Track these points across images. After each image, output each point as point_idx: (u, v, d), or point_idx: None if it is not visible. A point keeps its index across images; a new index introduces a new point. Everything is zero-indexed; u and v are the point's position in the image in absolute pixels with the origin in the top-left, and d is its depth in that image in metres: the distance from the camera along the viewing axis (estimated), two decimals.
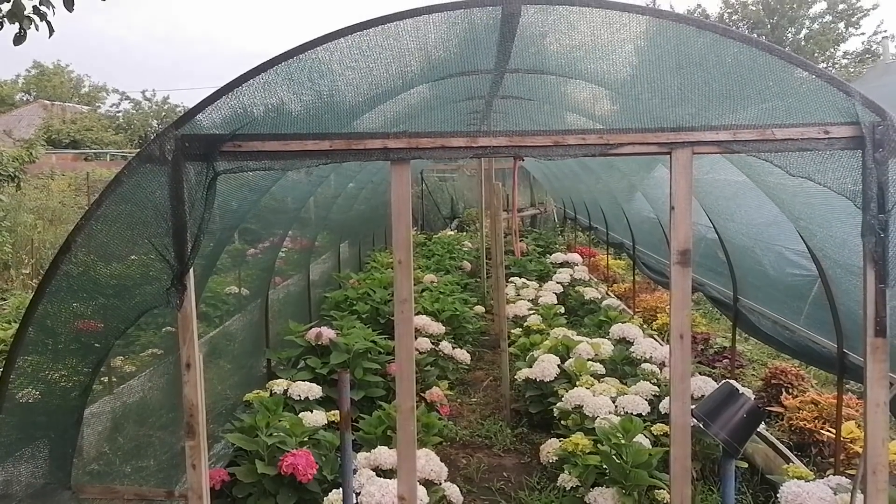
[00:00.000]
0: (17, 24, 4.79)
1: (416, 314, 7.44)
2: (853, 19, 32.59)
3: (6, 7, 4.70)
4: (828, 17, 32.76)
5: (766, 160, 2.68)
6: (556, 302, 8.99)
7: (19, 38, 4.74)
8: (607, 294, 10.29)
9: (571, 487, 4.38)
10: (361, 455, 4.24)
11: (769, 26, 31.87)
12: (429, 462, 4.20)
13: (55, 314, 2.72)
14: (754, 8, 32.43)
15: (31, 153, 10.98)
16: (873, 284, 2.62)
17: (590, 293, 9.59)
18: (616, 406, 4.98)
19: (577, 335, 6.87)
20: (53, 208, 13.92)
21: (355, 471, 3.99)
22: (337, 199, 8.47)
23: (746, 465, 4.75)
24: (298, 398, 5.02)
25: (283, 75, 2.71)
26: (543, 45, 3.39)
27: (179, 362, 2.72)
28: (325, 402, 5.18)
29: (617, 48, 3.03)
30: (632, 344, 6.37)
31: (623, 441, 4.18)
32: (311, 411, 4.81)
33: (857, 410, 5.21)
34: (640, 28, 2.78)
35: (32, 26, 4.87)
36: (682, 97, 3.00)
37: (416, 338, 6.18)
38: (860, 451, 4.37)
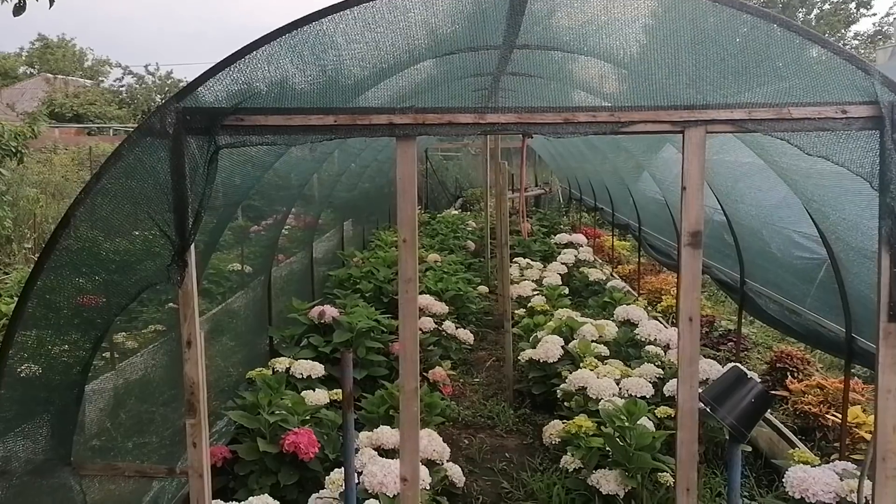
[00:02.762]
0: None
1: (420, 293, 7.40)
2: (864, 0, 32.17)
3: None
4: None
5: (782, 139, 2.61)
6: (560, 283, 8.96)
7: (18, 9, 4.66)
8: (612, 275, 10.24)
9: (574, 469, 4.36)
10: (363, 434, 4.23)
11: (780, 5, 31.49)
12: (431, 442, 4.19)
13: (55, 288, 2.68)
14: None
15: (33, 128, 10.89)
16: (888, 268, 2.56)
17: (594, 274, 9.55)
18: (620, 388, 4.95)
19: (582, 316, 6.84)
20: (56, 182, 13.85)
21: (357, 450, 3.98)
22: (341, 177, 8.41)
23: (750, 449, 4.73)
24: (301, 376, 5.00)
25: (286, 48, 2.64)
26: (554, 19, 3.32)
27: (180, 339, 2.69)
28: (328, 381, 5.16)
29: (630, 23, 2.95)
30: (636, 326, 6.33)
31: (627, 423, 4.15)
32: (314, 390, 4.79)
33: (863, 395, 5.18)
34: (653, 2, 2.71)
35: None
36: (696, 74, 2.93)
37: (419, 317, 6.15)
38: (866, 436, 4.36)
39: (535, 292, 8.32)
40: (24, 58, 40.66)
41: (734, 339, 6.68)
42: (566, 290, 8.54)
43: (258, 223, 6.02)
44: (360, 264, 8.79)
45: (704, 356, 5.85)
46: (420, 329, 6.43)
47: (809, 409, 5.24)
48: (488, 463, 5.04)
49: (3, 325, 5.40)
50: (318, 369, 5.08)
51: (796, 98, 2.61)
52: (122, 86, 31.97)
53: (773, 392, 5.74)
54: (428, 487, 3.84)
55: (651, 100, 2.76)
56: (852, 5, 32.39)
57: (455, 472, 4.27)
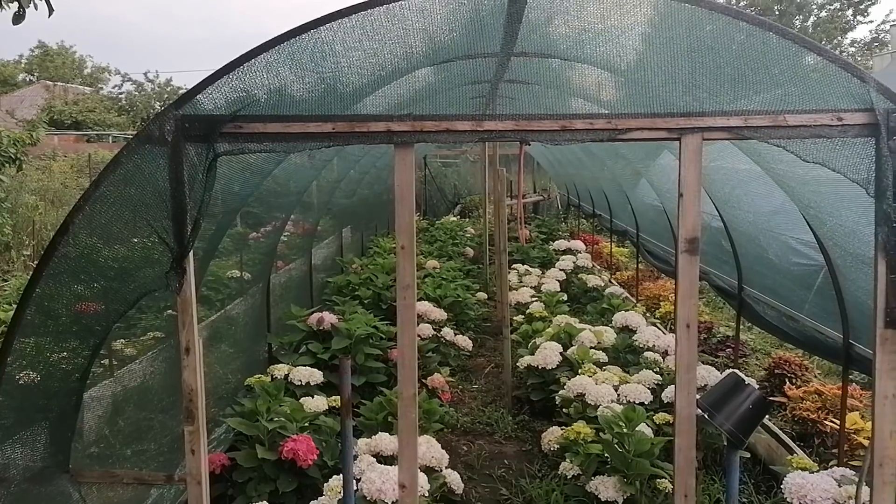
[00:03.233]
0: (16, 4, 4.71)
1: (419, 300, 7.41)
2: (861, 7, 32.33)
3: None
4: (836, 5, 32.52)
5: (778, 146, 2.62)
6: (558, 289, 8.95)
7: (18, 17, 4.66)
8: (610, 282, 10.25)
9: (573, 476, 4.36)
10: (362, 441, 4.23)
11: (777, 13, 31.63)
12: (430, 449, 4.18)
13: (53, 295, 2.69)
14: None
15: (32, 135, 10.93)
16: (885, 275, 2.57)
17: (593, 281, 9.56)
18: (618, 394, 4.95)
19: (580, 323, 6.84)
20: (55, 189, 13.87)
21: (356, 457, 3.97)
22: (340, 184, 8.42)
23: (749, 456, 4.73)
24: (299, 383, 5.00)
25: (285, 55, 2.66)
26: (551, 27, 3.34)
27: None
28: (327, 388, 5.15)
29: (627, 31, 2.97)
30: (635, 332, 6.33)
31: (625, 430, 4.15)
32: (312, 396, 4.79)
33: (861, 401, 5.18)
34: (650, 10, 2.73)
35: (31, 5, 4.79)
36: (692, 82, 2.95)
37: (418, 324, 6.17)
38: (864, 442, 4.36)
39: (534, 299, 8.32)
40: (23, 65, 40.75)
41: (732, 346, 6.68)
42: (565, 297, 8.55)
43: (257, 230, 6.03)
44: (359, 271, 8.79)
45: (703, 362, 5.85)
46: (418, 335, 6.43)
47: (808, 415, 5.24)
48: (487, 469, 5.03)
49: (1, 332, 5.40)
50: (316, 376, 5.08)
51: (792, 105, 2.63)
52: (121, 93, 32.07)
53: (771, 398, 5.74)
54: (427, 494, 3.84)
55: (648, 107, 2.78)
56: (849, 13, 32.55)
57: (454, 479, 4.27)
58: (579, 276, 10.04)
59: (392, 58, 3.24)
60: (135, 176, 2.59)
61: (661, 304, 8.62)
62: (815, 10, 32.80)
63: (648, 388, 5.03)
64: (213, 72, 2.58)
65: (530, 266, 10.56)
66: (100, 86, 38.67)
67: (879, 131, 2.53)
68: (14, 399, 2.73)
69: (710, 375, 4.97)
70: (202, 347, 2.73)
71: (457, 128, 2.67)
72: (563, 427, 4.81)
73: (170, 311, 3.82)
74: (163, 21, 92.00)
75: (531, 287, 8.97)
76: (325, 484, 3.77)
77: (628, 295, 9.40)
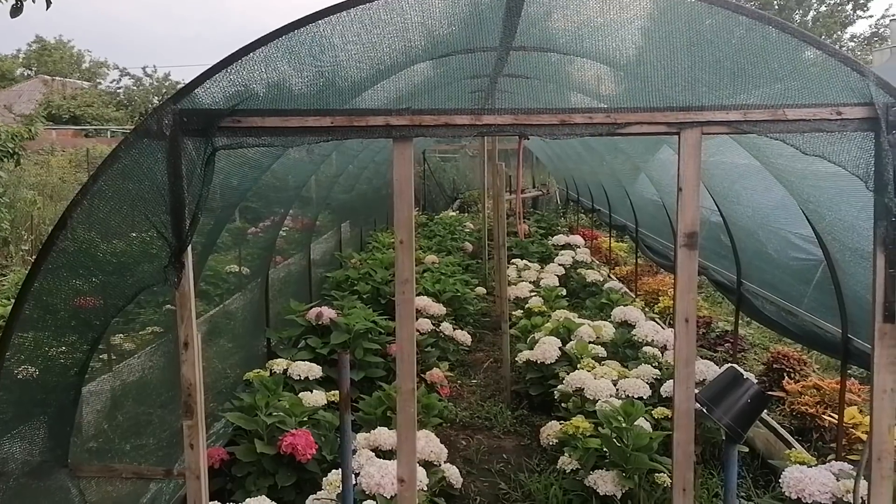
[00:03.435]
0: None
1: (417, 295, 7.40)
2: (861, 2, 32.27)
3: None
4: None
5: (778, 140, 2.62)
6: (557, 284, 8.96)
7: (16, 10, 4.66)
8: (609, 277, 10.26)
9: (571, 470, 4.36)
10: (361, 436, 4.23)
11: (776, 7, 31.57)
12: (428, 443, 4.19)
13: (52, 290, 2.68)
14: None
15: (30, 130, 10.92)
16: (883, 269, 2.57)
17: (592, 276, 9.56)
18: (617, 389, 4.95)
19: (579, 318, 6.84)
20: (53, 184, 13.85)
21: (355, 451, 3.98)
22: (339, 179, 8.42)
23: (747, 450, 4.74)
24: (298, 378, 5.00)
25: (283, 49, 2.65)
26: (550, 21, 3.33)
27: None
28: (325, 382, 5.16)
29: (626, 25, 2.96)
30: (633, 327, 6.33)
31: (624, 424, 4.15)
32: (311, 391, 4.79)
33: (859, 396, 5.19)
34: (650, 4, 2.72)
35: None
36: (691, 76, 2.94)
37: (416, 318, 6.16)
38: (862, 436, 4.36)
39: (533, 293, 8.32)
40: (21, 60, 40.58)
41: (731, 340, 6.69)
42: (563, 292, 8.55)
43: (256, 225, 6.02)
44: (358, 266, 8.79)
45: (701, 357, 5.86)
46: (417, 330, 6.41)
47: (806, 409, 5.25)
48: (486, 464, 5.04)
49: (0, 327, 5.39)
50: (315, 371, 5.08)
51: (792, 100, 2.62)
52: (119, 87, 31.92)
53: (769, 393, 5.75)
54: (425, 488, 3.84)
55: (647, 101, 2.77)
56: (849, 7, 32.48)
57: (452, 474, 4.27)
58: (578, 270, 10.04)
59: (391, 52, 3.23)
60: (133, 170, 2.58)
61: (660, 298, 8.63)
62: (815, 5, 32.72)
63: (647, 383, 5.04)
64: (211, 66, 2.57)
65: (529, 261, 10.55)
66: (98, 80, 38.55)
67: (879, 125, 2.52)
68: (12, 394, 2.73)
69: (708, 370, 4.97)
70: (201, 342, 2.73)
71: (455, 122, 2.66)
72: (562, 421, 4.81)
73: (168, 306, 3.81)
74: (163, 20, 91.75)
75: (530, 282, 8.97)
76: (325, 478, 3.77)
77: (627, 290, 9.41)
